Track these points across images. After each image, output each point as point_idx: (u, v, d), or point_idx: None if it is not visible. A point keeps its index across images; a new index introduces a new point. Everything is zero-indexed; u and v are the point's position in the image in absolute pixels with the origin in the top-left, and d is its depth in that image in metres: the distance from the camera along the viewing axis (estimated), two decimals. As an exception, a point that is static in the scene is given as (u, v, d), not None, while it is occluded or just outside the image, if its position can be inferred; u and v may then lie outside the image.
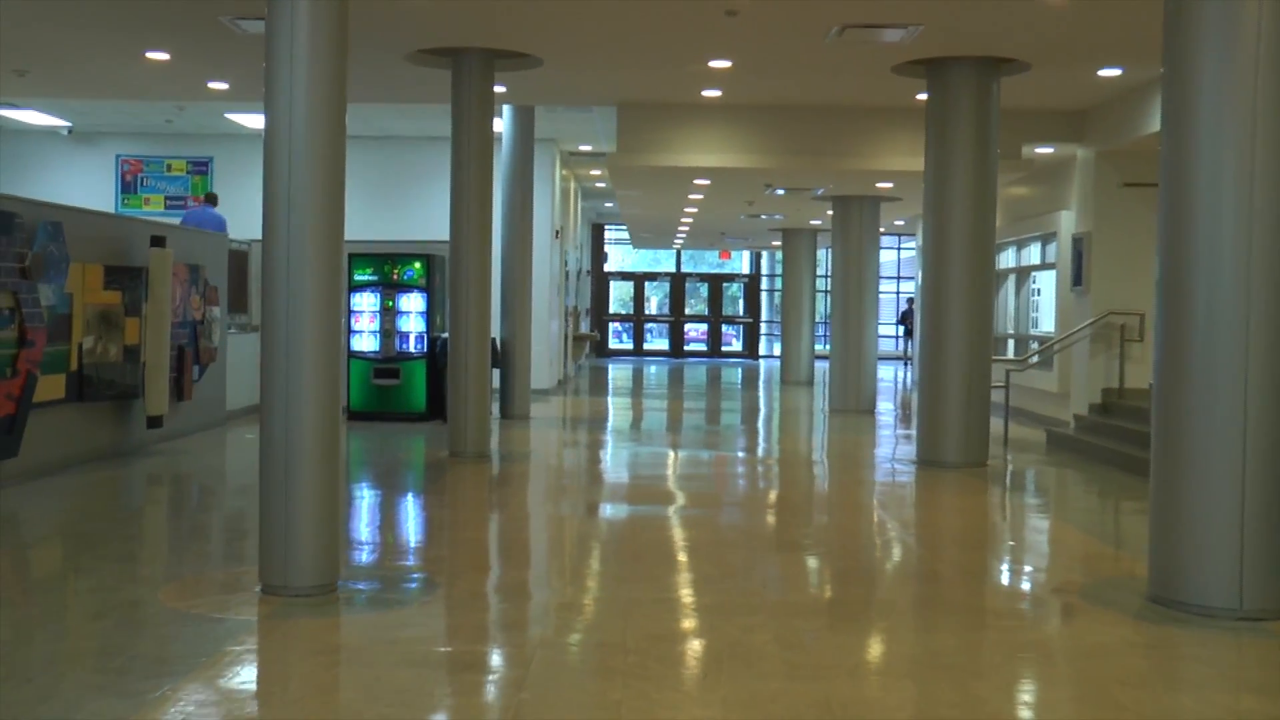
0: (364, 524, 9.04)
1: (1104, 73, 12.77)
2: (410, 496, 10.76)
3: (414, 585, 6.97)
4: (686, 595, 6.90)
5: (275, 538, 6.55)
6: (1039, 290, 18.82)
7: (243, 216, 17.91)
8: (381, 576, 7.17)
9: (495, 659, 5.68)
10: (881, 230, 20.57)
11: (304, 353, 6.55)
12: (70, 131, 20.11)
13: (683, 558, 7.98)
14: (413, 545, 8.47)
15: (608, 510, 9.98)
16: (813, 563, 8.01)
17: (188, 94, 15.53)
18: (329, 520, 6.64)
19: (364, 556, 7.77)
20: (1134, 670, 5.69)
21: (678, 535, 8.73)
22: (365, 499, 10.38)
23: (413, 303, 16.11)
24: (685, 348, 36.89)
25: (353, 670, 5.48)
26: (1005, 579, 7.74)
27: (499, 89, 13.72)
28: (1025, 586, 7.49)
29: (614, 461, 13.36)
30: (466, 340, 12.55)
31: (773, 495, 11.05)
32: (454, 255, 12.65)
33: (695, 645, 5.88)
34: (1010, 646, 6.06)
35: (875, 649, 6.00)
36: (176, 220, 17.21)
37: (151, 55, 12.76)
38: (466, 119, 12.48)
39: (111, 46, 12.46)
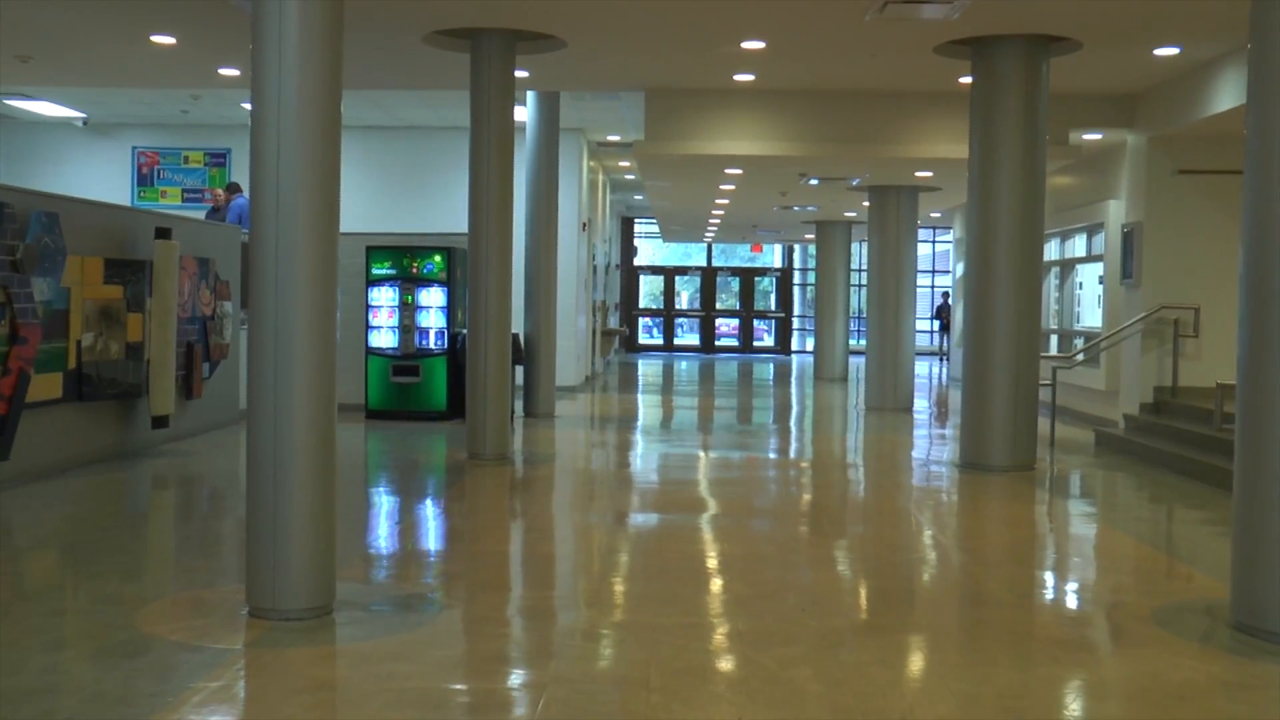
0: (368, 534, 8.43)
1: (1160, 52, 12.04)
2: (422, 503, 10.14)
3: (419, 607, 6.35)
4: (717, 619, 6.26)
5: (263, 555, 5.95)
6: (1081, 284, 18.09)
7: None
8: (383, 596, 6.55)
9: (502, 698, 5.05)
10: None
11: (294, 350, 5.96)
12: (85, 123, 19.60)
13: (713, 574, 7.34)
14: (420, 559, 7.85)
15: (633, 519, 9.35)
16: (853, 581, 7.36)
17: (199, 81, 14.96)
18: (323, 535, 6.03)
19: (365, 572, 7.16)
20: (1230, 717, 5.02)
21: (708, 548, 8.09)
22: (373, 505, 9.79)
23: (433, 297, 15.52)
24: (716, 343, 36.26)
25: (341, 712, 4.87)
26: (1068, 601, 7.05)
27: (521, 74, 13.11)
28: (1091, 610, 6.80)
29: (641, 464, 12.73)
30: (486, 336, 11.94)
31: (808, 502, 10.40)
32: (473, 247, 12.04)
33: (726, 682, 5.24)
34: (1083, 686, 5.39)
35: (929, 687, 5.34)
36: (199, 214, 16.73)
37: (157, 39, 12.20)
38: (486, 103, 11.86)
39: (115, 29, 11.90)
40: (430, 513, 9.62)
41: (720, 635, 5.95)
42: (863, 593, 7.02)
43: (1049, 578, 7.59)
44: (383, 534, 8.54)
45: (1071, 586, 7.38)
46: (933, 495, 10.71)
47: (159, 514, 9.90)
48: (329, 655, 5.54)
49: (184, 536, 8.75)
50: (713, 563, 7.63)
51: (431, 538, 8.66)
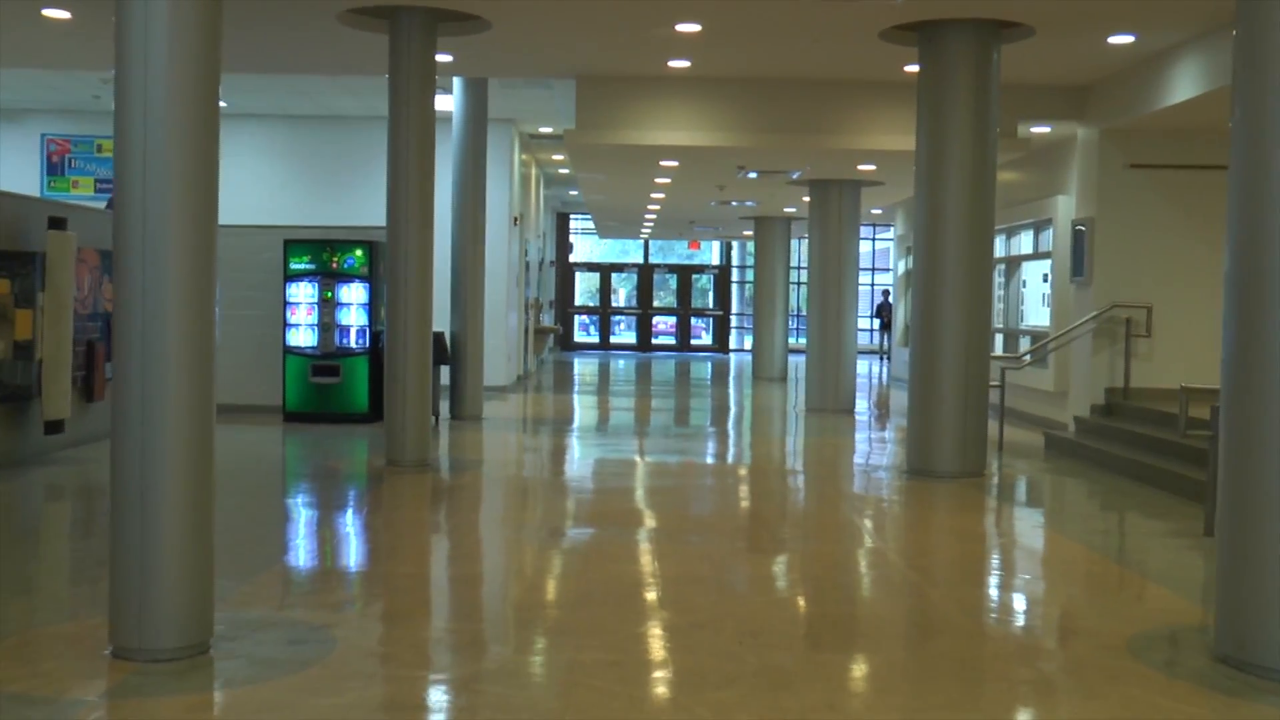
0: (262, 553, 7.64)
1: (1115, 40, 11.51)
2: (330, 516, 9.36)
3: (309, 641, 5.61)
4: (646, 655, 5.58)
5: (128, 586, 5.20)
6: (1024, 282, 17.61)
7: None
8: (272, 628, 5.80)
9: (395, 757, 4.35)
10: (861, 218, 19.22)
11: (166, 353, 5.20)
12: (-12, 109, 18.62)
13: (644, 600, 6.65)
14: (319, 583, 7.10)
15: (561, 535, 8.65)
16: (796, 607, 6.71)
17: (102, 62, 14.03)
18: (199, 562, 5.29)
19: (253, 599, 6.41)
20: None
21: (640, 569, 7.40)
22: (272, 519, 9.00)
23: (354, 294, 14.74)
24: (653, 341, 35.64)
25: (201, 779, 4.15)
26: (1033, 630, 6.44)
27: (444, 58, 12.36)
28: (1059, 640, 6.18)
29: (572, 471, 12.03)
30: (405, 334, 11.20)
31: (747, 514, 9.75)
32: (392, 241, 11.30)
33: (656, 734, 4.58)
34: (1055, 730, 4.77)
35: (885, 735, 4.70)
36: (104, 204, 15.81)
37: (49, 13, 11.34)
38: (405, 88, 11.12)
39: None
40: (337, 528, 8.86)
41: (649, 676, 5.27)
42: (807, 621, 6.36)
43: (1010, 601, 6.98)
44: (279, 553, 7.78)
45: (1036, 612, 6.76)
46: (879, 505, 10.11)
47: (40, 531, 9.06)
48: (200, 705, 4.81)
49: (61, 558, 7.95)
50: (645, 586, 6.95)
51: (335, 557, 7.91)
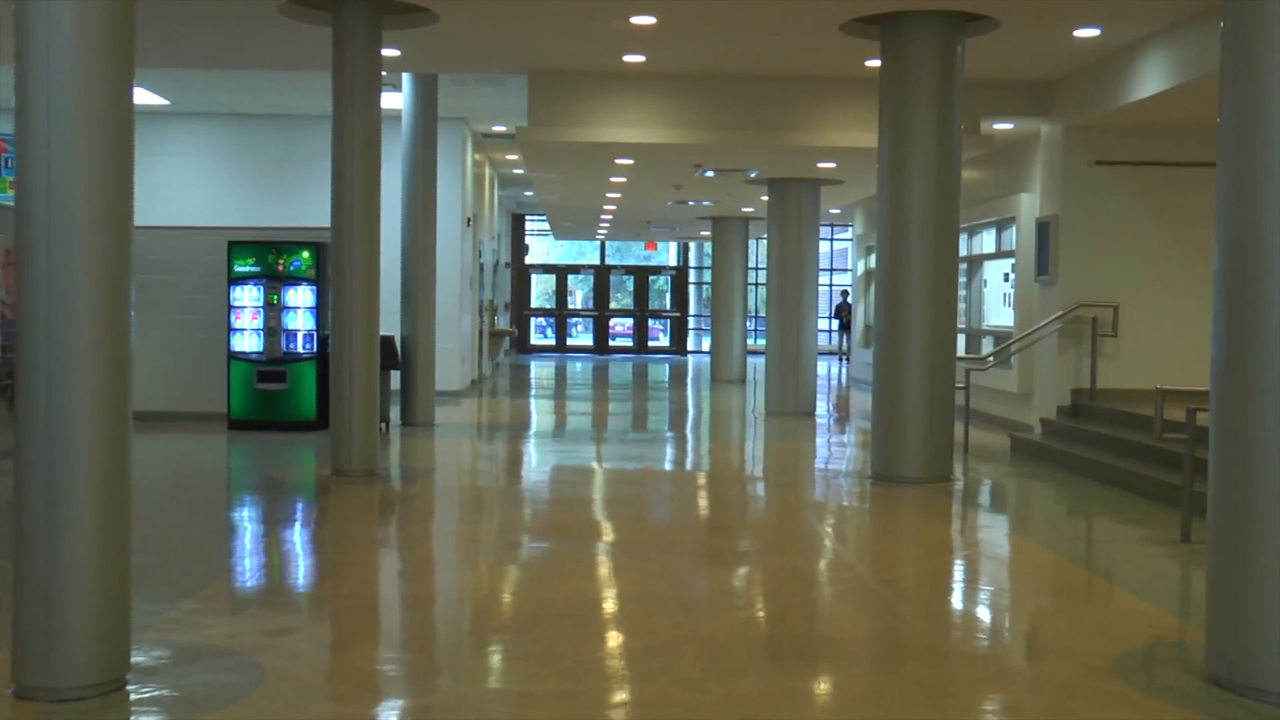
0: (190, 574, 7.18)
1: (1081, 33, 11.23)
2: (268, 531, 8.91)
3: (237, 672, 5.18)
4: (602, 684, 5.19)
5: (33, 619, 4.75)
6: (985, 281, 17.35)
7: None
8: (197, 659, 5.37)
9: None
10: (820, 217, 18.87)
11: (75, 361, 4.75)
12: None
13: (601, 621, 6.26)
14: (251, 607, 6.65)
15: (513, 550, 8.24)
16: (761, 627, 6.32)
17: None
18: (113, 591, 4.86)
19: (179, 626, 5.97)
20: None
21: (595, 586, 7.01)
22: (206, 536, 8.51)
23: (301, 297, 14.27)
24: (610, 343, 35.26)
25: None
26: (1012, 649, 6.09)
27: (391, 52, 11.96)
28: (1040, 661, 5.82)
29: (526, 480, 11.61)
30: (350, 339, 10.79)
31: (708, 525, 9.38)
32: (336, 243, 10.87)
33: (611, 776, 4.19)
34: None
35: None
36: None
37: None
38: (350, 82, 10.70)
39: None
40: (277, 544, 8.41)
41: (605, 710, 4.88)
42: (772, 643, 5.97)
43: (986, 617, 6.63)
44: (213, 573, 7.31)
45: (1014, 630, 6.41)
46: (844, 514, 9.76)
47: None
48: (111, 749, 4.39)
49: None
50: (601, 606, 6.56)
51: (272, 576, 7.46)
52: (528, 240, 36.34)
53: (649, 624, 6.11)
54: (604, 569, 7.45)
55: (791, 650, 5.81)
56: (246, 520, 9.37)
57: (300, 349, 14.26)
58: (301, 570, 7.65)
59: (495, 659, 5.59)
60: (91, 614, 4.78)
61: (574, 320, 36.00)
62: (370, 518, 9.42)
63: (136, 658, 5.11)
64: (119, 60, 4.92)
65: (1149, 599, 6.86)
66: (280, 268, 14.25)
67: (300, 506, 9.88)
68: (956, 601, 6.99)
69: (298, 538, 8.61)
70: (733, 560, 7.95)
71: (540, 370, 27.69)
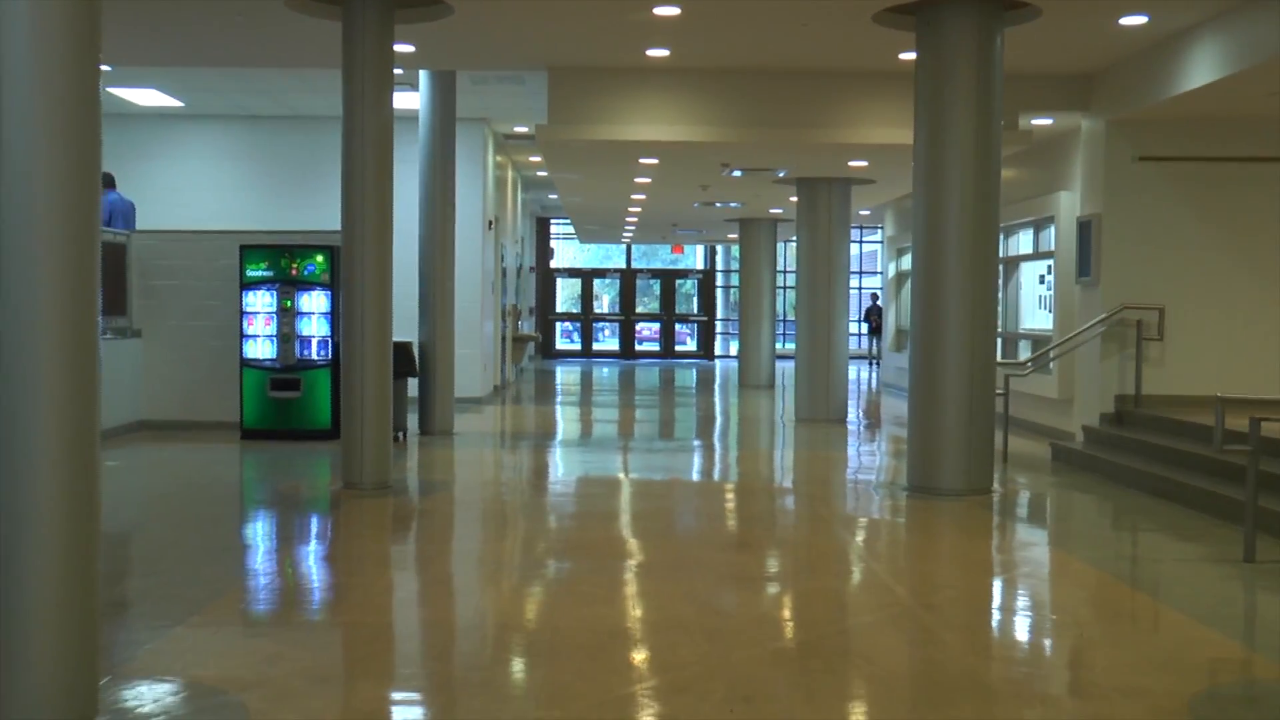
0: (184, 599, 6.70)
1: (1126, 21, 10.68)
2: (270, 550, 8.42)
3: (210, 717, 4.71)
4: (621, 727, 4.70)
5: (-9, 661, 4.30)
6: (1021, 283, 16.79)
7: (139, 205, 15.59)
8: (174, 699, 4.90)
9: None
10: (850, 218, 18.31)
11: (32, 373, 4.29)
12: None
13: (621, 654, 5.75)
14: (242, 636, 6.15)
15: (528, 570, 7.76)
16: (796, 660, 5.79)
17: None
18: (77, 626, 4.40)
19: (160, 661, 5.49)
20: None
21: (617, 613, 6.51)
22: (206, 556, 7.97)
23: (315, 302, 13.83)
24: (637, 348, 34.78)
25: None
26: (1076, 685, 5.56)
27: (405, 48, 11.53)
28: (1111, 703, 5.24)
29: (548, 494, 11.13)
30: (362, 345, 10.36)
31: (738, 544, 8.84)
32: (347, 246, 10.45)
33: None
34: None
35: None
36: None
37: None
38: (361, 78, 10.27)
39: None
40: (278, 564, 7.92)
41: (623, 759, 4.39)
42: (808, 678, 5.46)
43: (1041, 649, 6.11)
44: (205, 597, 6.80)
45: (1072, 662, 5.88)
46: (882, 530, 9.24)
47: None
48: (70, 809, 3.92)
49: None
50: (623, 635, 6.05)
51: (270, 600, 6.98)
52: (553, 244, 35.90)
53: (674, 656, 5.61)
54: (627, 592, 6.96)
55: (828, 686, 5.30)
56: (250, 538, 8.92)
57: (315, 356, 13.83)
58: (303, 594, 7.17)
59: (506, 698, 5.10)
60: (50, 653, 4.32)
61: (600, 325, 35.54)
62: (380, 535, 8.96)
63: (110, 695, 4.65)
64: (80, 47, 4.42)
65: (1216, 627, 6.33)
66: (294, 272, 13.82)
67: (308, 522, 9.42)
68: (1006, 629, 6.47)
69: (302, 557, 8.14)
70: (763, 582, 7.45)
71: (565, 376, 27.23)
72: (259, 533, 9.14)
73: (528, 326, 28.96)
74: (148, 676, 5.14)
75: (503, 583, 7.32)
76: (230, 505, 10.30)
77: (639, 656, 5.68)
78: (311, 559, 8.11)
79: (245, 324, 13.86)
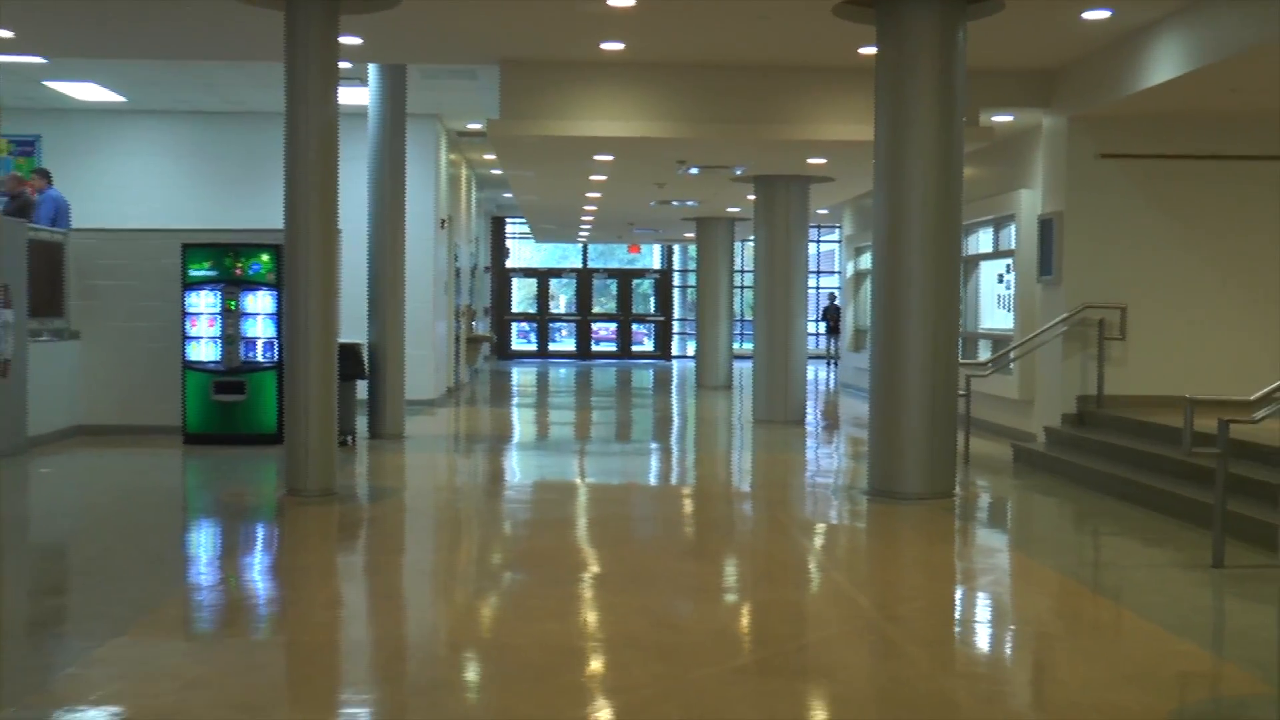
0: (106, 617, 6.32)
1: (1089, 15, 10.48)
2: (204, 563, 8.04)
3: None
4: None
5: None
6: (980, 282, 16.61)
7: (79, 203, 15.15)
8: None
9: None
10: (808, 217, 18.06)
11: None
12: None
13: (570, 675, 5.44)
14: (161, 659, 5.67)
15: (475, 583, 7.44)
16: (758, 682, 5.49)
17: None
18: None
19: (71, 690, 5.13)
20: None
21: (569, 629, 6.19)
22: (132, 570, 7.53)
23: (260, 302, 13.43)
24: (593, 348, 34.47)
25: None
26: (1056, 705, 5.29)
27: (352, 40, 11.19)
28: None
29: (501, 500, 10.79)
30: (306, 347, 9.99)
31: (695, 553, 8.54)
32: (290, 246, 10.09)
33: None
34: None
35: None
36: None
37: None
38: (304, 70, 9.93)
39: None
40: (211, 578, 7.52)
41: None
42: (770, 702, 5.14)
43: (1011, 663, 5.85)
44: (129, 616, 6.37)
45: (1047, 678, 5.61)
46: (843, 536, 8.99)
47: None
48: None
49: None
50: (574, 654, 5.73)
51: (196, 619, 6.58)
52: (508, 244, 35.51)
53: (627, 677, 5.32)
54: (579, 606, 6.66)
55: (791, 711, 5.01)
56: (186, 549, 8.52)
57: (260, 358, 13.44)
58: (237, 610, 6.78)
59: (447, 725, 4.79)
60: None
61: (556, 325, 35.21)
62: (325, 545, 8.62)
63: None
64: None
65: (1191, 638, 6.10)
66: (238, 272, 13.42)
67: (249, 532, 9.04)
68: (974, 643, 6.21)
69: (239, 570, 7.76)
70: (721, 594, 7.17)
71: (521, 377, 26.89)
72: (196, 543, 8.77)
73: (482, 327, 28.59)
74: (57, 706, 4.78)
75: (451, 597, 7.01)
76: (168, 514, 9.89)
77: (590, 677, 5.38)
78: (250, 571, 7.74)
79: (188, 325, 13.45)
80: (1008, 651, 6.05)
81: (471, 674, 5.47)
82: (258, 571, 7.78)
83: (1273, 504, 7.97)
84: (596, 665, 5.55)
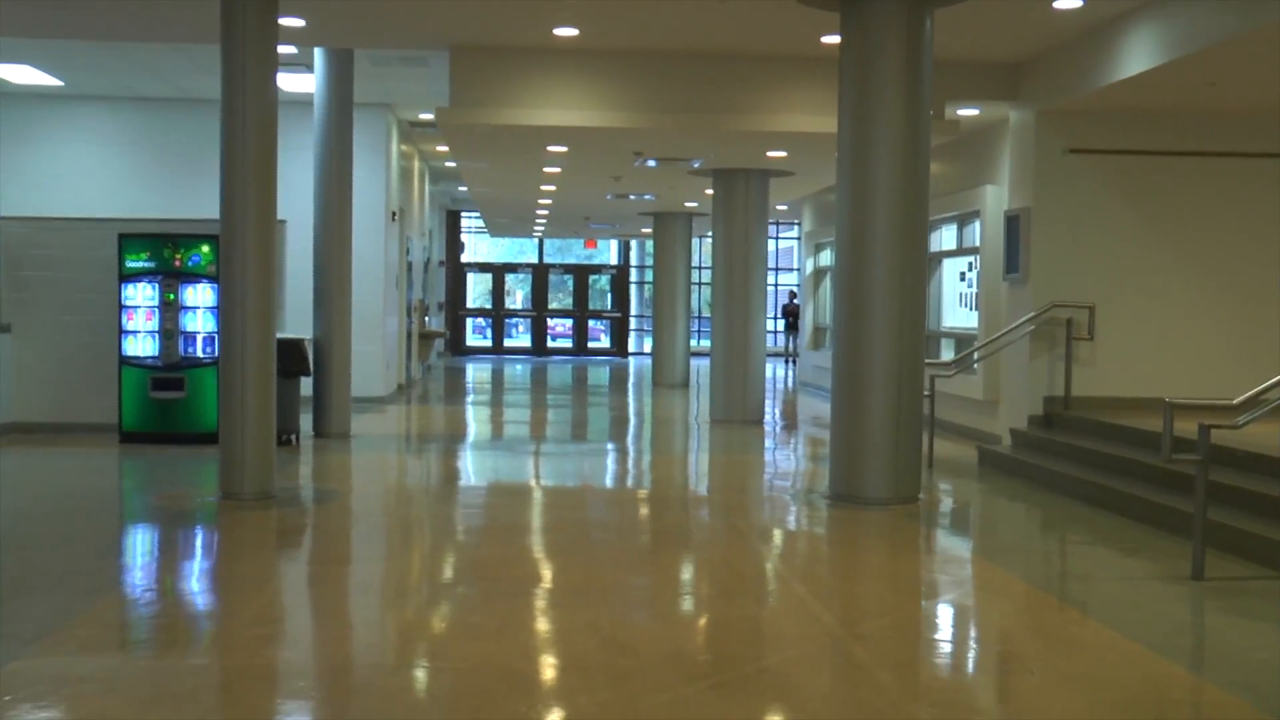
0: (12, 638, 5.86)
1: (1060, 5, 10.13)
2: (125, 574, 7.54)
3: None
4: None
5: None
6: (943, 280, 16.29)
7: (12, 191, 14.57)
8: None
9: None
10: (768, 212, 17.65)
11: None
12: None
13: (509, 703, 5.01)
14: (62, 684, 5.18)
15: (415, 598, 7.00)
16: (713, 710, 5.09)
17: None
18: None
19: (-18, 716, 4.68)
20: None
21: (515, 649, 5.76)
22: (45, 582, 6.98)
23: (200, 295, 12.94)
24: (549, 344, 34.01)
25: None
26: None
27: (293, 22, 10.71)
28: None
29: (450, 505, 10.32)
30: (243, 342, 9.53)
31: (651, 564, 8.12)
32: (226, 237, 9.60)
33: None
34: None
35: None
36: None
37: None
38: (241, 56, 9.44)
39: None
40: (130, 592, 7.04)
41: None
42: (729, 727, 4.76)
43: (989, 689, 5.47)
44: (33, 636, 5.91)
45: (1029, 708, 5.21)
46: (805, 545, 8.60)
47: None
48: None
49: None
50: (519, 679, 5.29)
51: (112, 639, 6.10)
52: (463, 238, 34.98)
53: (571, 705, 4.89)
54: (523, 624, 6.22)
55: (752, 742, 4.61)
56: (111, 558, 7.99)
57: (200, 353, 12.94)
58: (155, 627, 6.29)
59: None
60: None
61: (512, 321, 34.74)
62: (260, 554, 8.14)
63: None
64: None
65: (1177, 659, 5.74)
66: (177, 263, 12.92)
67: (182, 539, 8.50)
68: (949, 666, 5.82)
69: (165, 581, 7.27)
70: (675, 610, 6.75)
71: (475, 373, 26.40)
72: (122, 551, 8.26)
73: (436, 322, 28.08)
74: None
75: (392, 613, 6.56)
76: (97, 519, 9.34)
77: (529, 705, 4.95)
78: (170, 585, 7.24)
79: (125, 319, 12.95)
80: (983, 676, 5.67)
81: (404, 704, 5.03)
82: (185, 583, 7.29)
83: (1253, 513, 7.65)
84: (537, 691, 5.12)
